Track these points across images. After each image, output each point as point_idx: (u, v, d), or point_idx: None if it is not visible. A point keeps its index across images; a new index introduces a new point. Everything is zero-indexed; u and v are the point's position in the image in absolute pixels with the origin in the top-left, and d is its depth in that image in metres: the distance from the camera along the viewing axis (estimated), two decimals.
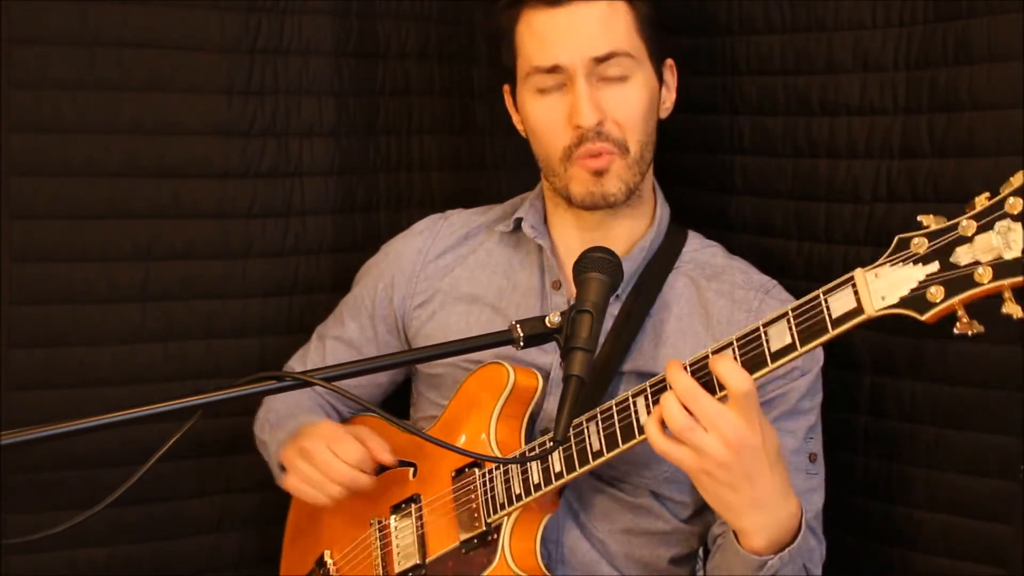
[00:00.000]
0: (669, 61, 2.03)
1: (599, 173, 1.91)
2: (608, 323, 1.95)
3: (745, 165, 2.23)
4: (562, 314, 1.74)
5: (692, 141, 2.29)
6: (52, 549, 2.15)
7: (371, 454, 1.99)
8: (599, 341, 1.89)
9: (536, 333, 1.75)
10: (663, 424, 1.65)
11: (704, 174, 2.05)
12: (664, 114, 2.01)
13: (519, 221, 2.06)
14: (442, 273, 2.10)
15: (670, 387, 1.65)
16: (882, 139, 2.00)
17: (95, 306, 2.21)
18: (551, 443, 1.69)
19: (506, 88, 2.05)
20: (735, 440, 1.61)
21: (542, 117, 1.94)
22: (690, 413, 1.63)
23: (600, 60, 1.89)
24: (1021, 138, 1.80)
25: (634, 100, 1.92)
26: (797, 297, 2.01)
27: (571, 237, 2.01)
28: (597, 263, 1.79)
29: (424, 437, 1.72)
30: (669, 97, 2.03)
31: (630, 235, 2.01)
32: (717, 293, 1.98)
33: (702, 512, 1.98)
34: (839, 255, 2.07)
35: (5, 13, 2.09)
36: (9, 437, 1.57)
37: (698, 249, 2.06)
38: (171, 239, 2.25)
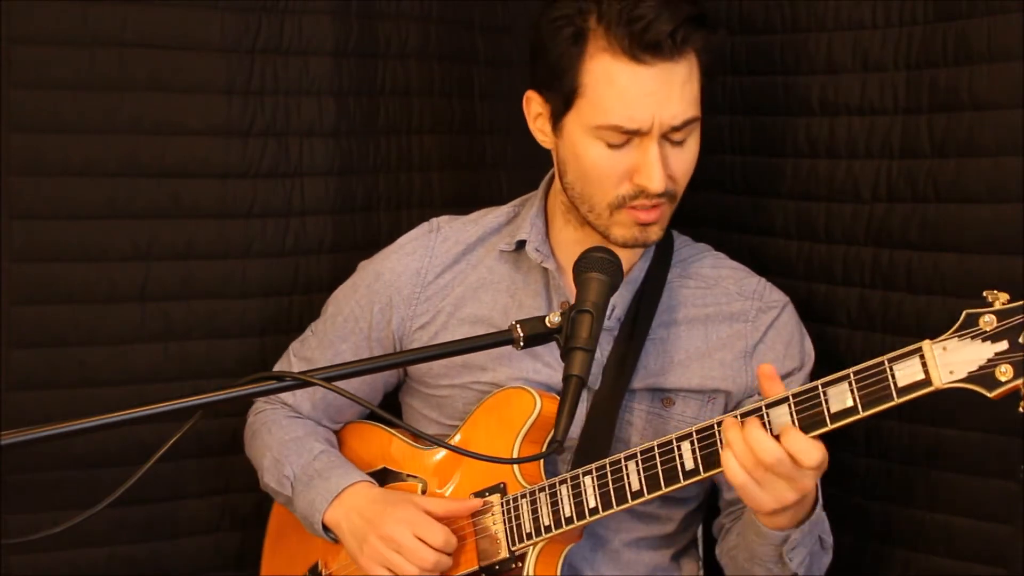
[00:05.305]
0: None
1: (647, 224, 1.90)
2: (611, 344, 1.96)
3: (745, 165, 2.23)
4: (562, 314, 1.74)
5: None
6: (52, 549, 2.15)
7: (450, 526, 1.93)
8: (604, 358, 1.93)
9: (536, 333, 1.75)
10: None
11: (704, 174, 2.05)
12: None
13: (521, 243, 2.03)
14: (443, 294, 2.07)
15: (758, 456, 1.66)
16: (882, 139, 2.00)
17: (95, 306, 2.21)
18: (554, 443, 1.69)
19: (531, 96, 1.96)
20: (806, 488, 1.69)
21: (604, 166, 1.87)
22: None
23: (676, 128, 1.85)
24: (1021, 138, 1.80)
25: (690, 158, 1.91)
26: (794, 294, 2.04)
27: (576, 255, 1.90)
28: (597, 263, 1.80)
29: (449, 447, 1.76)
30: None
31: (631, 256, 1.99)
32: (714, 308, 2.00)
33: (699, 507, 2.07)
34: (839, 255, 2.06)
35: (5, 13, 2.09)
36: (9, 437, 1.57)
37: (687, 259, 2.06)
38: (171, 239, 2.24)
